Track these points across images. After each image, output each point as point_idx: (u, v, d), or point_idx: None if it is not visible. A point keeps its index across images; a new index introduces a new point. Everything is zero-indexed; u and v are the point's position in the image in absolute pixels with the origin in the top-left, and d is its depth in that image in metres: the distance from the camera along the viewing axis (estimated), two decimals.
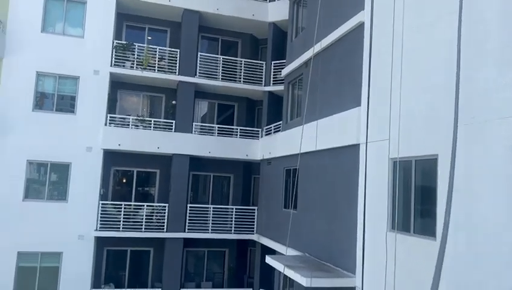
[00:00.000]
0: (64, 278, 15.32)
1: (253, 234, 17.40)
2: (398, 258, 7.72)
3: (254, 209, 17.64)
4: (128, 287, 16.54)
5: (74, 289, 15.27)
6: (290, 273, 10.09)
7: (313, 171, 12.08)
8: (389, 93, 8.49)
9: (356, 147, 9.90)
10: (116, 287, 16.28)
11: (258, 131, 17.97)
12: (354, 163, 9.92)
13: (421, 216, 7.80)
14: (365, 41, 9.98)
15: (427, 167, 7.66)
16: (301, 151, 11.77)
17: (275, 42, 17.76)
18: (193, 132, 17.14)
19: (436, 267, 6.00)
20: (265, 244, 16.10)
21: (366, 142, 7.99)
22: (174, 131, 16.88)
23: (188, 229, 16.69)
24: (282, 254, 13.76)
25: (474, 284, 6.31)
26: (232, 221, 17.39)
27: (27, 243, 15.05)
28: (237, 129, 18.03)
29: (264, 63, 18.23)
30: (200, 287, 17.70)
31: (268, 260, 12.01)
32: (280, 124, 15.93)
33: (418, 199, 7.88)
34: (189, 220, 16.81)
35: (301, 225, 12.68)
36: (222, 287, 18.14)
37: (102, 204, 15.95)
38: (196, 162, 17.51)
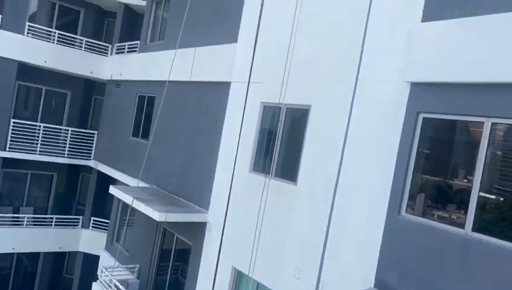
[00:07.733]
0: None
1: (89, 160, 15.90)
2: (258, 198, 7.98)
3: (94, 134, 16.01)
4: None
5: None
6: (141, 206, 9.56)
7: (175, 103, 11.34)
8: (269, 35, 8.30)
9: (227, 85, 9.60)
10: None
11: (108, 47, 15.92)
12: (222, 101, 9.64)
13: (285, 162, 8.11)
14: None
15: (297, 116, 7.90)
16: (163, 79, 10.86)
17: None
18: (25, 33, 14.16)
19: None
20: (103, 171, 14.93)
21: (248, 83, 7.78)
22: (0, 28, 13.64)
23: (10, 148, 14.21)
24: (125, 184, 12.99)
25: None
26: (65, 144, 15.48)
27: None
28: (82, 40, 15.62)
29: None
30: (18, 212, 15.61)
31: (113, 190, 11.16)
32: (136, 44, 14.35)
33: (284, 145, 8.14)
34: (12, 137, 14.29)
35: (152, 156, 12.03)
36: (46, 213, 16.39)
37: None
38: (26, 71, 14.68)
